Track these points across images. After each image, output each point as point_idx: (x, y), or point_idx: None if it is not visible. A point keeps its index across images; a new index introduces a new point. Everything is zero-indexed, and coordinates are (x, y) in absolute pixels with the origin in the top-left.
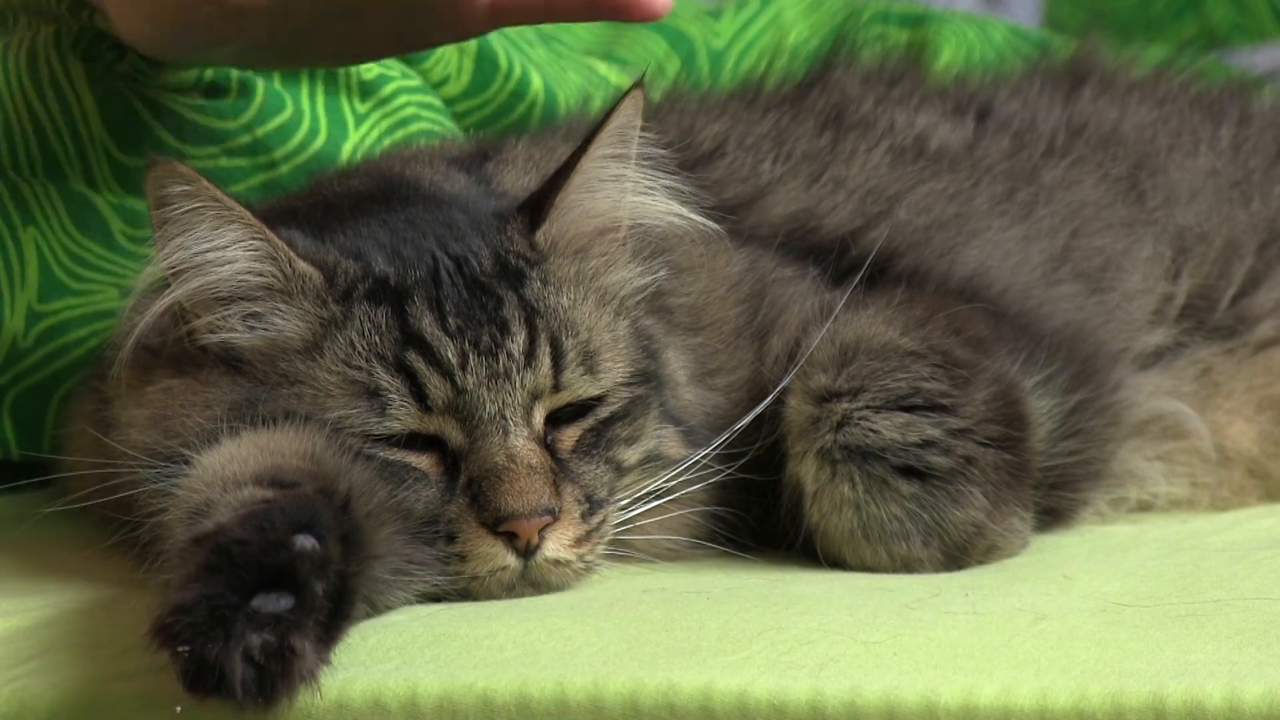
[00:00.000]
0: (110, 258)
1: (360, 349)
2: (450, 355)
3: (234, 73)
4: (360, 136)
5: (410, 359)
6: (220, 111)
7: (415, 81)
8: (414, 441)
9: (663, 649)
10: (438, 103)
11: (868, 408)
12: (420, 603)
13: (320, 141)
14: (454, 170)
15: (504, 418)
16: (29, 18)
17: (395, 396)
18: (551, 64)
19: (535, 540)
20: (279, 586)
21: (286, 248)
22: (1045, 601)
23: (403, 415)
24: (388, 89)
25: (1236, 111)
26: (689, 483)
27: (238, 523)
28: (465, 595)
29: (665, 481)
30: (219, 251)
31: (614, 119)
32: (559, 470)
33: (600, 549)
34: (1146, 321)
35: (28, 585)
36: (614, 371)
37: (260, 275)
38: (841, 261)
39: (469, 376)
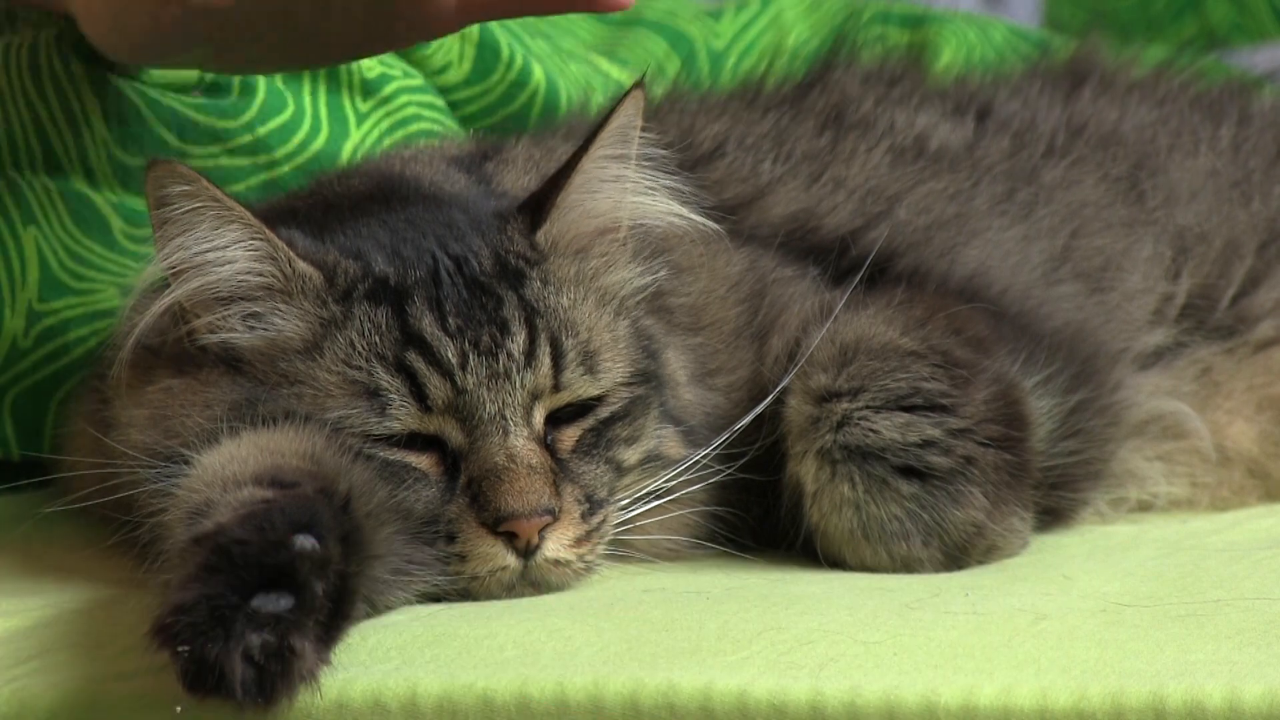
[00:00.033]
0: (110, 257)
1: (360, 349)
2: (450, 355)
3: None
4: (361, 135)
5: (410, 359)
6: (221, 111)
7: (417, 81)
8: (414, 441)
9: (663, 649)
10: (440, 102)
11: (868, 408)
12: (420, 603)
13: (321, 141)
14: (454, 170)
15: (504, 418)
16: (32, 18)
17: (395, 396)
18: (553, 56)
19: (535, 540)
20: (279, 586)
21: (286, 248)
22: (1045, 601)
23: (403, 415)
24: (389, 88)
25: (1236, 111)
26: (689, 483)
27: (238, 523)
28: (465, 595)
29: (665, 481)
30: (219, 251)
31: (615, 119)
32: (559, 470)
33: (600, 549)
34: (1146, 321)
35: (28, 585)
36: (614, 371)
37: (260, 275)
38: (841, 261)
39: (469, 376)
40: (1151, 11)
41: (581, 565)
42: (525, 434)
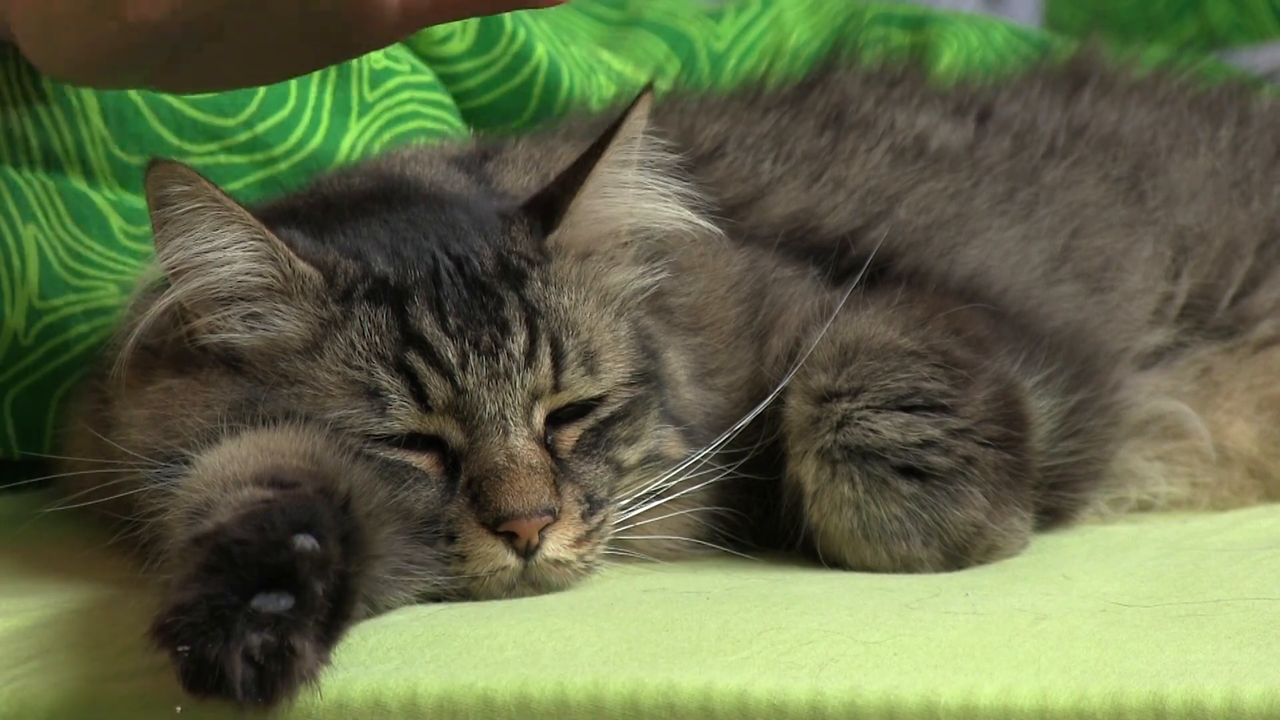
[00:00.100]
0: (110, 254)
1: (360, 349)
2: (450, 355)
3: None
4: (360, 130)
5: (410, 359)
6: (219, 108)
7: (426, 77)
8: (414, 441)
9: (663, 649)
10: (446, 99)
11: (868, 408)
12: (420, 603)
13: (319, 138)
14: (454, 170)
15: (504, 418)
16: None
17: (395, 396)
18: (554, 38)
19: (535, 540)
20: (279, 586)
21: (286, 248)
22: (1045, 601)
23: (403, 415)
24: (392, 82)
25: (1236, 112)
26: (689, 483)
27: (238, 523)
28: (465, 595)
29: (665, 481)
30: (219, 252)
31: (626, 125)
32: (559, 470)
33: (600, 549)
34: (1146, 321)
35: (28, 585)
36: (614, 372)
37: (260, 275)
38: (841, 261)
39: (469, 376)
40: (1151, 12)
41: (582, 565)
42: (525, 434)
